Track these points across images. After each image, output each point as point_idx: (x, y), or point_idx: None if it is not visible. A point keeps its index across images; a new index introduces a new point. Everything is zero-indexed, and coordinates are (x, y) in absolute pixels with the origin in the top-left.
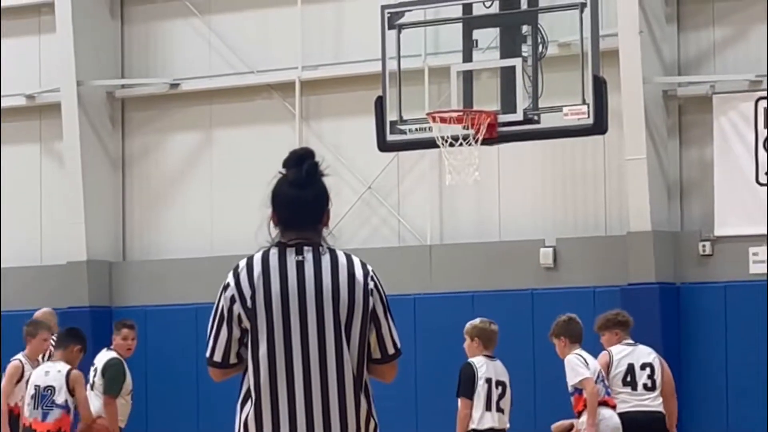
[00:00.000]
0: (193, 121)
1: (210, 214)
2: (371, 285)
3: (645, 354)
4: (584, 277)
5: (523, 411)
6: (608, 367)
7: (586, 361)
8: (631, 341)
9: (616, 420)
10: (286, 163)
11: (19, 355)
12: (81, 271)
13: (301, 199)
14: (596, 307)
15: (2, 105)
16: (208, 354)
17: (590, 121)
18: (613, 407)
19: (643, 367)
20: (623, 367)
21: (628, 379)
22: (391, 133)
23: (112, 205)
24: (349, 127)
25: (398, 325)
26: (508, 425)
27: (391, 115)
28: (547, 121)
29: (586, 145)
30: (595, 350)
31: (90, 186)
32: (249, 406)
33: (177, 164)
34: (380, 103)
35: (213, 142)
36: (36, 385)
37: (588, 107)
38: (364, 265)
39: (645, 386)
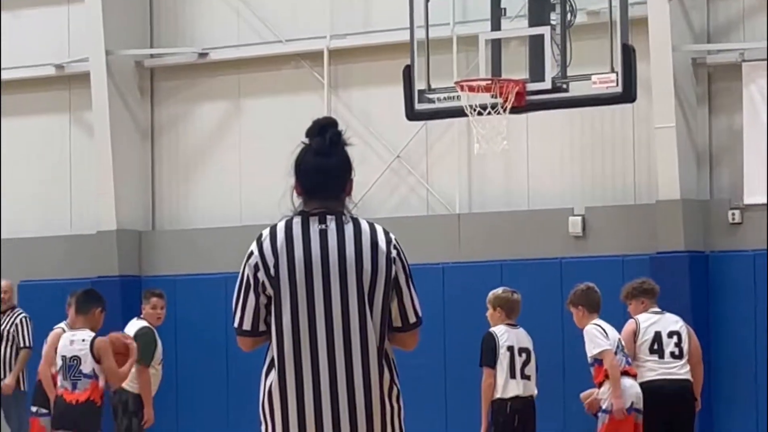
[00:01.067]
0: (222, 91)
1: (239, 183)
2: (394, 253)
3: (672, 322)
4: (613, 245)
5: (551, 380)
6: (635, 335)
7: (605, 332)
8: (657, 309)
9: (638, 389)
10: (310, 133)
11: (62, 324)
12: (110, 240)
13: (324, 167)
14: (625, 275)
15: (31, 75)
16: (236, 323)
17: (619, 89)
18: (634, 376)
19: (670, 335)
20: (650, 335)
21: (655, 347)
22: (419, 102)
23: (141, 175)
24: (377, 96)
25: (427, 295)
26: (536, 392)
27: (419, 84)
28: (576, 89)
29: (615, 113)
30: (621, 319)
31: (119, 155)
32: (273, 375)
33: (206, 133)
34: (408, 72)
35: (242, 112)
36: (63, 356)
37: (617, 75)
38: (386, 234)
39: (672, 354)
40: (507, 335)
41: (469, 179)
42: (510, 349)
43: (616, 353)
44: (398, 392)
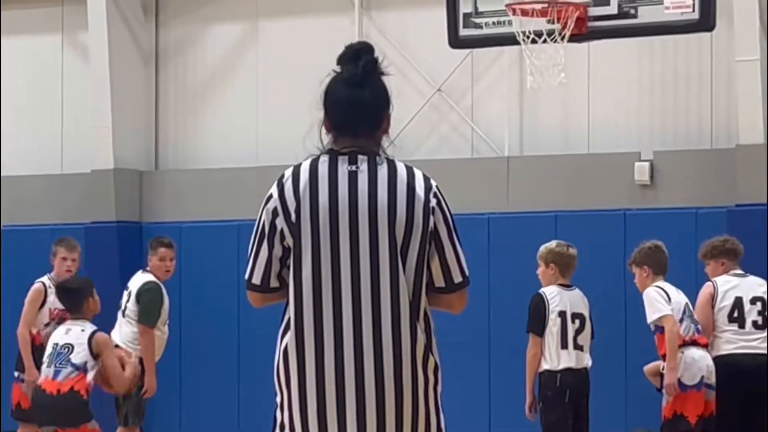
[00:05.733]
0: (237, 10)
1: (255, 118)
2: (433, 202)
3: (755, 286)
4: (685, 196)
5: (612, 349)
6: (712, 300)
7: (667, 295)
8: (739, 271)
9: (709, 362)
10: (341, 60)
11: (44, 277)
12: (107, 180)
13: (356, 100)
14: (698, 230)
15: None
16: (246, 276)
17: (695, 15)
18: (704, 346)
19: (753, 301)
20: (730, 301)
21: (735, 314)
22: (464, 26)
23: (143, 106)
24: (416, 20)
25: (470, 249)
26: (589, 363)
27: (465, 6)
28: (646, 15)
29: (690, 43)
30: (692, 281)
31: (118, 84)
32: (290, 336)
33: (218, 60)
34: None
35: (260, 35)
36: (54, 344)
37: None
38: (426, 179)
39: (754, 324)
40: (559, 298)
41: (521, 117)
42: (562, 314)
43: (682, 320)
44: (436, 364)
